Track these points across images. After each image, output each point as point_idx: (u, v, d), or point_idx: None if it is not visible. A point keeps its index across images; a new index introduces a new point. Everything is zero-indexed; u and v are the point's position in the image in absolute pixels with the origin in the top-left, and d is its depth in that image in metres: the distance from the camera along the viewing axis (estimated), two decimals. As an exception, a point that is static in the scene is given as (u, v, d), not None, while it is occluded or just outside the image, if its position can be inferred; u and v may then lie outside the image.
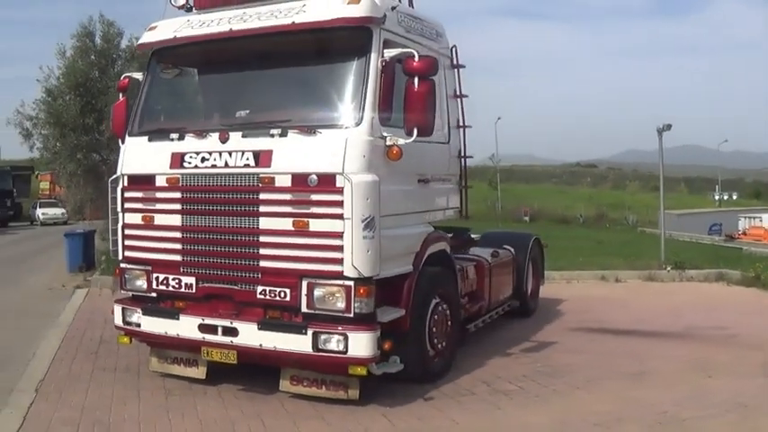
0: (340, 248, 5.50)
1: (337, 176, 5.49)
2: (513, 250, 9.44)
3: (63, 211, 36.17)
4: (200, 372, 6.40)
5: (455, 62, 7.41)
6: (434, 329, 6.54)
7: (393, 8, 6.16)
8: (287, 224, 5.67)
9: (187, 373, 6.47)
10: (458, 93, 7.41)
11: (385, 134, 5.74)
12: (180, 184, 6.11)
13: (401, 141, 5.73)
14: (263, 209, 5.78)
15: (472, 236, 10.22)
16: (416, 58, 5.70)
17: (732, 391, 6.36)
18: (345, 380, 5.80)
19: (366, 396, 5.95)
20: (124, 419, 5.60)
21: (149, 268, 6.31)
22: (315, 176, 5.56)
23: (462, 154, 7.51)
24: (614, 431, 5.44)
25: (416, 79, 5.67)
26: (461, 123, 7.47)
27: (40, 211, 38.11)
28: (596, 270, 14.15)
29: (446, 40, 7.30)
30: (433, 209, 6.90)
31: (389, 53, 5.79)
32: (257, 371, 6.26)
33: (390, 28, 6.02)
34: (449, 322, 6.81)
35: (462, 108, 7.46)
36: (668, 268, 14.11)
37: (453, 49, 7.39)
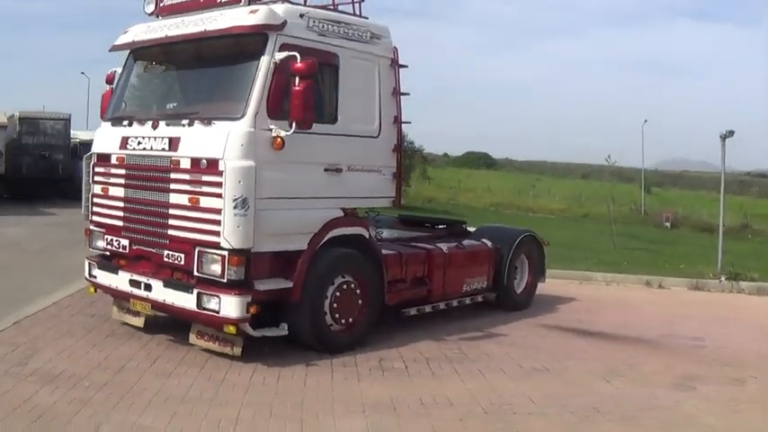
0: (219, 222, 6.42)
1: (219, 161, 6.41)
2: (489, 243, 9.71)
3: None
4: (139, 321, 7.61)
5: (397, 62, 7.95)
6: (336, 305, 7.22)
7: (302, 15, 6.91)
8: (185, 200, 6.69)
9: (133, 321, 7.70)
10: (397, 90, 7.96)
11: (271, 126, 6.54)
12: (124, 163, 7.34)
13: (282, 133, 6.50)
14: (171, 186, 6.83)
15: (468, 228, 10.68)
16: (298, 60, 6.43)
17: (605, 397, 6.39)
18: (233, 338, 6.70)
19: (259, 355, 6.82)
20: (53, 348, 6.87)
21: (104, 231, 7.63)
22: (205, 161, 6.53)
23: (399, 147, 8.05)
24: (432, 412, 5.72)
25: (297, 78, 6.42)
26: (399, 119, 8.01)
27: None
28: (643, 275, 13.69)
29: (387, 41, 7.85)
30: (349, 196, 7.50)
31: (280, 55, 6.56)
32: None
33: (293, 33, 6.76)
34: (359, 301, 7.45)
35: (399, 105, 7.99)
36: (722, 278, 13.33)
37: (395, 51, 7.93)
